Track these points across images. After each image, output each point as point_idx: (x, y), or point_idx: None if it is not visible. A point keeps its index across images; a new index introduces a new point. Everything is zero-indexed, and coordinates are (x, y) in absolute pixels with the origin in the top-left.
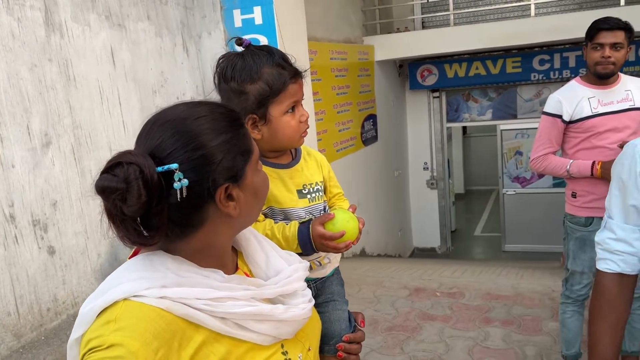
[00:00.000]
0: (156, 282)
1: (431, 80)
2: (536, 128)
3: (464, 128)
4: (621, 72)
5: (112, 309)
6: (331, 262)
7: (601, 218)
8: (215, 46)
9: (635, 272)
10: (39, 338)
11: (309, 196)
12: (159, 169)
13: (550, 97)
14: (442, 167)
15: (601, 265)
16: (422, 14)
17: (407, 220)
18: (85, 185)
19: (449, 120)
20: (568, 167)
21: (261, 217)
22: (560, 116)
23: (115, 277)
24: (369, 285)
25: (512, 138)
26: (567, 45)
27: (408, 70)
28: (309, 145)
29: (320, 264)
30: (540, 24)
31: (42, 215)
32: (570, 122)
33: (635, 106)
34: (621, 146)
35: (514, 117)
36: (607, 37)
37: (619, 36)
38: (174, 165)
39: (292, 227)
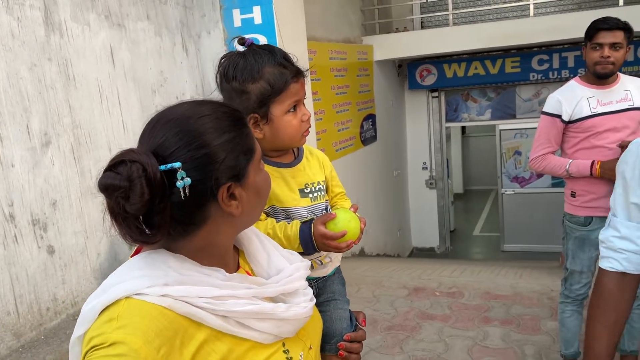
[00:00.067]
0: (158, 280)
1: (430, 80)
2: (535, 128)
3: (463, 128)
4: (620, 72)
5: (114, 307)
6: (332, 261)
7: (600, 217)
8: (215, 46)
9: (638, 271)
10: (39, 337)
11: (310, 195)
12: (162, 167)
13: (549, 97)
14: (441, 167)
15: (604, 264)
16: (421, 13)
17: (406, 220)
18: (84, 185)
19: (448, 120)
20: (567, 166)
21: (263, 216)
22: (559, 116)
23: (118, 275)
24: (368, 284)
25: (511, 138)
26: (566, 45)
27: (407, 70)
28: (308, 144)
29: (322, 263)
30: (539, 24)
31: (42, 214)
32: (570, 122)
33: (635, 106)
34: (620, 146)
35: (513, 117)
36: (606, 37)
37: (618, 36)
38: (177, 164)
39: (294, 227)
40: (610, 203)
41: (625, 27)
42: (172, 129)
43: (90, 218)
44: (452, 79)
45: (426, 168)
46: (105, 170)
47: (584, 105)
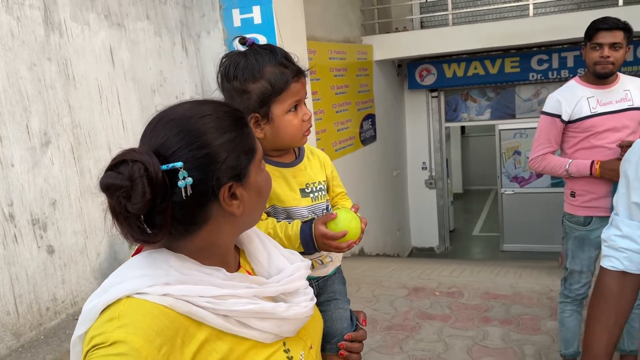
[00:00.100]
0: (159, 279)
1: (430, 80)
2: (534, 128)
3: (463, 128)
4: (620, 72)
5: (115, 306)
6: (333, 260)
7: (600, 217)
8: (215, 45)
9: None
10: (38, 337)
11: (311, 195)
12: (164, 167)
13: (549, 97)
14: (441, 166)
15: (605, 263)
16: (421, 13)
17: (406, 220)
18: (84, 185)
19: (447, 120)
20: (567, 166)
21: (264, 215)
22: (559, 116)
23: (118, 274)
24: (367, 284)
25: (511, 138)
26: (565, 45)
27: (407, 70)
28: (308, 144)
29: (322, 263)
30: (539, 24)
31: (42, 214)
32: (569, 121)
33: (634, 106)
34: (620, 146)
35: (513, 116)
36: (606, 37)
37: (618, 36)
38: (179, 164)
39: (295, 226)
40: (613, 201)
41: (625, 27)
42: (173, 128)
43: (90, 218)
44: (452, 79)
45: (426, 168)
46: (107, 170)
47: (583, 105)
